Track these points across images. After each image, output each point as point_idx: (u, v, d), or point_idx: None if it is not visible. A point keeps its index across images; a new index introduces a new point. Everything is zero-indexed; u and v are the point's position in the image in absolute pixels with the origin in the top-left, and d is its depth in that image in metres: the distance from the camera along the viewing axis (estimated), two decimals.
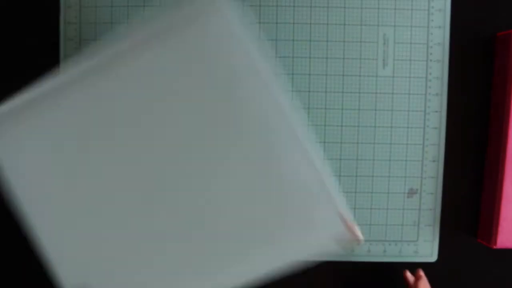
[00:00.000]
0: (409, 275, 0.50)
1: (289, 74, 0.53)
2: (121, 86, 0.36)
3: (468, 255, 0.54)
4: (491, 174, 0.51)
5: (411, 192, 0.53)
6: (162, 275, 0.38)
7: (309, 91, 0.53)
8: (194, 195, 0.36)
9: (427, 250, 0.54)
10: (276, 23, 0.53)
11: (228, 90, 0.35)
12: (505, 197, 0.49)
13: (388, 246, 0.54)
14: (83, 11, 0.53)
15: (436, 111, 0.53)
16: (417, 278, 0.49)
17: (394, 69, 0.52)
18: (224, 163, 0.36)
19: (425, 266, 0.51)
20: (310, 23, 0.53)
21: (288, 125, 0.35)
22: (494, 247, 0.50)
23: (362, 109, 0.53)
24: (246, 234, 0.36)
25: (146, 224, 0.37)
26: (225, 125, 0.36)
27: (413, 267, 0.54)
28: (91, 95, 0.36)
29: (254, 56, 0.35)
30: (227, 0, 0.35)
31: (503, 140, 0.49)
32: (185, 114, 0.35)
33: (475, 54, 0.53)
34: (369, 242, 0.54)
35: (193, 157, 0.36)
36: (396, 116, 0.53)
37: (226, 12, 0.35)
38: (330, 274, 0.54)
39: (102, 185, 0.37)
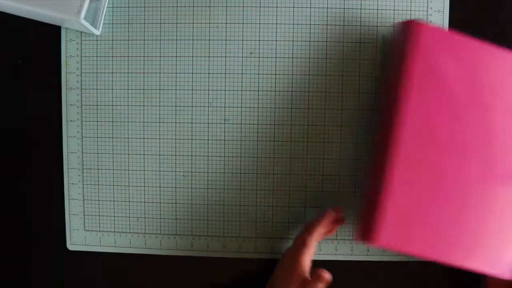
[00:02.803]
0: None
1: (289, 74, 0.53)
2: None
3: None
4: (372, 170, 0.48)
5: None
6: None
7: (308, 92, 0.53)
8: None
9: None
10: (276, 23, 0.53)
11: None
12: (388, 193, 0.45)
13: None
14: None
15: None
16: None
17: None
18: None
19: (423, 265, 0.51)
20: (310, 24, 0.53)
21: None
22: (373, 244, 0.45)
23: (361, 109, 0.53)
24: None
25: None
26: None
27: (412, 265, 0.54)
28: None
29: None
30: None
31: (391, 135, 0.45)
32: None
33: None
34: None
35: None
36: None
37: None
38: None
39: None
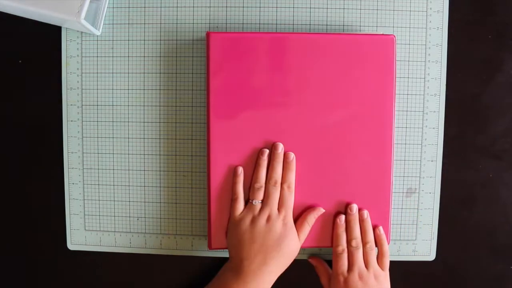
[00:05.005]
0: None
1: None
2: None
3: (466, 254, 0.54)
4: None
5: (410, 192, 0.54)
6: None
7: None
8: None
9: (425, 249, 0.54)
10: (276, 24, 0.53)
11: None
12: (213, 199, 0.50)
13: None
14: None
15: (434, 111, 0.53)
16: None
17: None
18: None
19: (423, 264, 0.52)
20: (310, 24, 0.53)
21: None
22: (210, 249, 0.50)
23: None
24: None
25: None
26: None
27: (412, 265, 0.54)
28: None
29: None
30: None
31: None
32: None
33: (472, 55, 0.53)
34: None
35: None
36: (395, 116, 0.53)
37: None
38: None
39: None
